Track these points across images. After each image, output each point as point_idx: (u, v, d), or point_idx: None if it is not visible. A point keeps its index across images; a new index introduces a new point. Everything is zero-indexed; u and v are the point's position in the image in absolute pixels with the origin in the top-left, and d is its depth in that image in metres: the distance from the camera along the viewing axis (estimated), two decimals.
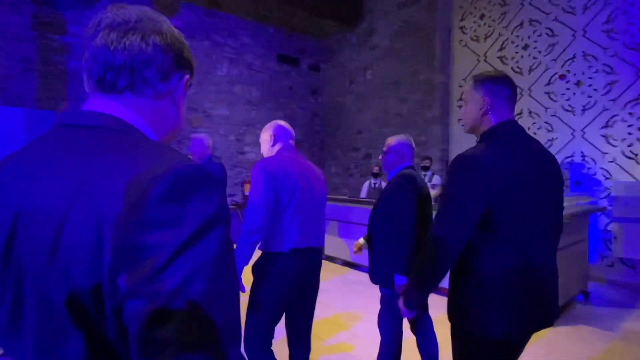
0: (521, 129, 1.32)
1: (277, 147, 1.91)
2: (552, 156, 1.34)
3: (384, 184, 5.67)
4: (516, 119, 1.38)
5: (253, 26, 7.23)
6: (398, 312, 1.82)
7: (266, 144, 1.95)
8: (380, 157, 2.19)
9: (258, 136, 7.05)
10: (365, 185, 6.06)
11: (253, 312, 1.79)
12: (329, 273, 4.70)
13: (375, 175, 5.94)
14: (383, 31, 7.06)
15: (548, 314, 1.29)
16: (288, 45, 7.78)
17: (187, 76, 0.69)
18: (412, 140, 2.15)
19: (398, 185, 1.96)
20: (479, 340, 1.25)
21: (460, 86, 6.10)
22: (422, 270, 1.33)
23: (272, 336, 1.85)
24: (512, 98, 1.32)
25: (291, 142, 1.96)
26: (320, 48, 8.23)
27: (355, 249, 2.27)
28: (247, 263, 1.74)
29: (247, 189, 7.09)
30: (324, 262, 2.22)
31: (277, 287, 1.77)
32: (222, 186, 0.51)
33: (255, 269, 1.81)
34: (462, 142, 5.96)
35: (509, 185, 1.19)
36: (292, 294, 1.83)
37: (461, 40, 6.09)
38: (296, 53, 7.92)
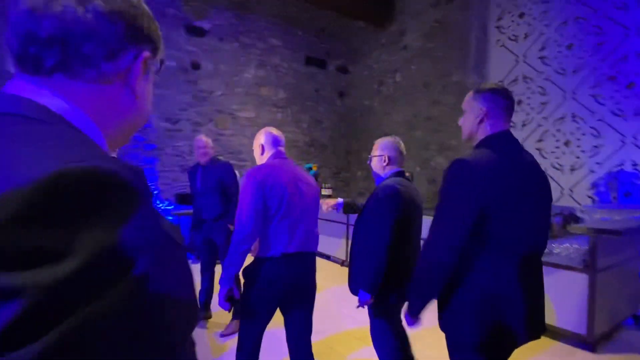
0: (515, 140, 1.36)
1: (267, 154, 1.93)
2: (543, 171, 1.38)
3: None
4: (511, 129, 1.40)
5: (282, 28, 7.18)
6: (388, 323, 1.90)
7: (257, 152, 1.98)
8: (368, 162, 2.10)
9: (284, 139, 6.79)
10: None
11: (244, 317, 1.83)
12: None
13: None
14: (414, 31, 6.81)
15: (537, 326, 1.31)
16: (316, 47, 7.67)
17: (146, 53, 0.52)
18: (401, 143, 2.05)
19: (378, 198, 1.87)
20: (468, 349, 1.27)
21: None
22: (419, 277, 1.34)
23: (259, 343, 1.86)
24: (509, 110, 1.37)
25: (281, 149, 1.96)
26: (349, 50, 8.07)
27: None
28: (238, 271, 1.79)
29: None
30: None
31: (265, 292, 1.79)
32: (142, 199, 0.36)
33: (244, 274, 1.84)
34: None
35: (502, 193, 1.21)
36: (280, 298, 1.85)
37: (498, 40, 5.75)
38: (324, 55, 7.80)
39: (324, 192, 6.12)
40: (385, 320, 1.94)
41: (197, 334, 3.14)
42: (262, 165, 1.88)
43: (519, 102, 5.33)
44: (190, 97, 6.30)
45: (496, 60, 5.78)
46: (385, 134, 6.83)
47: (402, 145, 2.06)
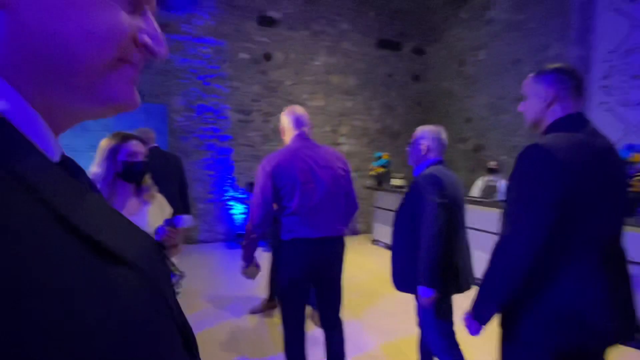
0: (589, 122, 1.24)
1: (290, 136, 1.94)
2: (620, 157, 1.25)
3: (502, 183, 4.81)
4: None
5: (353, 11, 6.90)
6: (446, 323, 1.81)
7: (282, 135, 2.01)
8: (407, 149, 2.02)
9: (354, 127, 6.69)
10: (479, 183, 5.27)
11: (279, 296, 2.04)
12: None
13: (491, 171, 5.10)
14: (501, 2, 6.02)
15: (628, 327, 1.17)
16: (389, 29, 7.24)
17: None
18: (443, 133, 1.94)
19: (420, 188, 1.79)
20: (541, 352, 1.14)
21: (604, 61, 4.82)
22: (492, 279, 1.20)
23: (300, 321, 1.94)
24: (579, 90, 1.26)
25: (304, 130, 1.94)
26: (425, 29, 7.48)
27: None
28: (252, 253, 1.94)
29: None
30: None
31: (286, 272, 1.89)
32: None
33: (274, 255, 2.10)
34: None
35: (584, 182, 1.11)
36: (303, 279, 1.91)
37: (609, 3, 4.78)
38: (397, 37, 7.34)
39: (396, 182, 5.79)
40: (442, 320, 1.84)
41: (263, 324, 3.18)
42: (274, 154, 1.89)
43: (635, 76, 4.39)
44: (262, 87, 6.39)
45: (604, 28, 4.82)
46: (467, 120, 6.26)
47: (444, 134, 1.95)
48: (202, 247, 5.91)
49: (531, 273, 1.11)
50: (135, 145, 1.48)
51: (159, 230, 1.46)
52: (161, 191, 1.69)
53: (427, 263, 1.68)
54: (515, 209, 1.15)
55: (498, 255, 1.18)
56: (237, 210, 6.31)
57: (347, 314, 3.25)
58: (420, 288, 1.72)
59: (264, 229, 1.86)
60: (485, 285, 1.22)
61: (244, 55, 6.25)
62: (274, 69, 6.46)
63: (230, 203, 6.28)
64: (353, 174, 7.33)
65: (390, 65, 7.33)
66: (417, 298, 1.81)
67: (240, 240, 6.28)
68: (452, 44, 7.04)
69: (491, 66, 6.24)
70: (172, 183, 3.38)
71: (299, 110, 1.97)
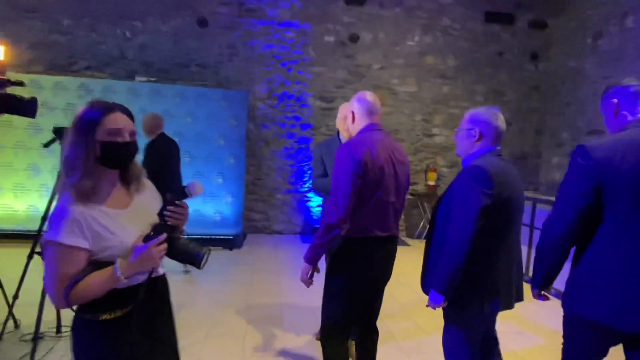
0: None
1: (359, 126, 1.82)
2: None
3: None
4: None
5: None
6: (466, 334, 1.63)
7: (342, 123, 1.97)
8: (454, 138, 1.76)
9: (450, 115, 5.76)
10: None
11: (334, 300, 1.85)
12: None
13: None
14: None
15: None
16: (499, 0, 6.10)
17: None
18: (499, 116, 1.63)
19: (461, 181, 1.55)
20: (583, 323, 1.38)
21: None
22: (538, 249, 1.48)
23: (348, 329, 1.93)
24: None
25: (376, 119, 1.82)
26: None
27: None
28: (317, 260, 1.79)
29: (431, 177, 6.07)
30: None
31: (355, 275, 1.78)
32: None
33: (333, 255, 1.84)
34: None
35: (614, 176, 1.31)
36: (369, 284, 1.84)
37: None
38: (511, 8, 6.14)
39: None
40: (463, 330, 1.63)
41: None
42: (359, 139, 1.75)
43: None
44: (347, 73, 5.92)
45: None
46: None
47: (502, 118, 1.64)
48: (277, 238, 5.75)
49: (568, 247, 1.43)
50: (120, 120, 1.12)
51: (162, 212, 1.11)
52: (173, 177, 1.35)
53: (446, 267, 1.50)
54: (557, 198, 1.45)
55: (542, 230, 1.48)
56: (315, 202, 5.99)
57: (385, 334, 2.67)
58: (431, 292, 1.56)
59: (348, 224, 1.68)
60: (535, 257, 1.50)
61: (329, 38, 5.84)
62: (361, 52, 5.92)
63: (309, 195, 5.99)
64: (447, 170, 6.28)
65: (501, 43, 6.18)
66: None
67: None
68: (584, 14, 5.61)
69: None
70: (179, 168, 3.74)
71: (371, 96, 1.85)
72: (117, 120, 1.11)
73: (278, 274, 4.13)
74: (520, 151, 6.40)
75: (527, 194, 4.91)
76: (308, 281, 1.79)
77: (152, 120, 3.61)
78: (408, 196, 5.86)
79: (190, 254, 1.15)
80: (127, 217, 1.12)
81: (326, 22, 5.81)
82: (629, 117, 1.44)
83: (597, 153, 1.32)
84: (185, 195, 1.15)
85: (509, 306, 1.64)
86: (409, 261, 4.89)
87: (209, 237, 4.96)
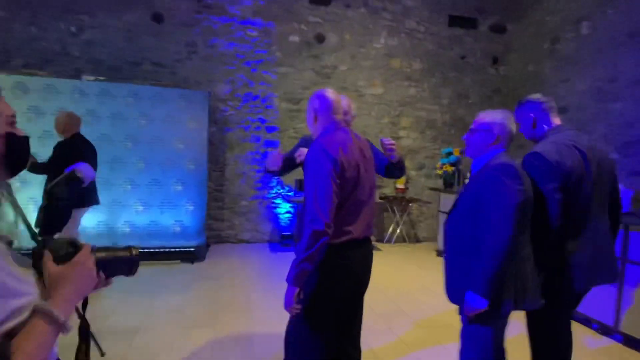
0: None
1: (322, 124, 1.71)
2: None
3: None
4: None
5: None
6: (496, 337, 1.57)
7: (309, 121, 1.77)
8: (463, 137, 1.74)
9: (417, 118, 5.68)
10: None
11: (317, 318, 1.64)
12: None
13: None
14: None
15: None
16: (463, 4, 6.19)
17: None
18: (513, 120, 1.64)
19: (495, 179, 1.51)
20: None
21: None
22: None
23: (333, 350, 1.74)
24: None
25: (336, 117, 1.71)
26: (507, 3, 6.29)
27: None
28: (303, 279, 1.53)
29: (400, 181, 6.00)
30: None
31: (341, 284, 1.64)
32: None
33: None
34: None
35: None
36: (354, 292, 1.73)
37: None
38: (473, 12, 6.25)
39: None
40: (491, 333, 1.56)
41: None
42: (329, 137, 1.63)
43: None
44: (313, 73, 5.74)
45: None
46: (561, 110, 5.09)
47: (513, 122, 1.65)
48: (244, 247, 5.43)
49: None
50: (9, 107, 0.81)
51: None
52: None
53: (489, 270, 1.44)
54: None
55: None
56: (284, 209, 5.74)
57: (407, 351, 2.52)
58: (471, 296, 1.48)
59: (332, 228, 1.53)
60: None
61: (294, 38, 5.64)
62: (328, 53, 5.77)
63: (277, 201, 5.72)
64: (415, 172, 6.14)
65: (465, 47, 6.27)
66: (461, 307, 1.60)
67: (287, 243, 5.74)
68: (543, 19, 5.80)
69: (597, 42, 4.95)
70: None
71: (333, 94, 1.73)
72: (7, 104, 0.80)
73: (247, 288, 3.83)
74: None
75: None
76: (295, 308, 1.53)
77: (68, 118, 3.32)
78: (377, 200, 5.77)
79: (121, 260, 0.83)
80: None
81: (291, 21, 5.61)
82: (546, 128, 1.82)
83: (552, 156, 1.63)
84: (77, 182, 0.86)
85: (538, 304, 1.61)
86: (382, 266, 4.79)
87: (167, 249, 4.57)
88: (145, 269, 4.20)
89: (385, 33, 5.95)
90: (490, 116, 1.63)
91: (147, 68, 5.19)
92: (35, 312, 0.66)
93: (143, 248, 4.50)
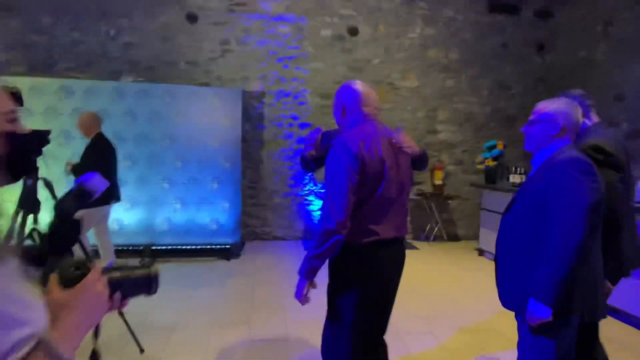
0: None
1: (352, 117, 1.63)
2: None
3: None
4: None
5: None
6: (561, 351, 1.39)
7: (338, 114, 1.68)
8: (522, 129, 1.57)
9: (456, 111, 5.42)
10: None
11: (337, 330, 1.62)
12: None
13: None
14: None
15: None
16: None
17: None
18: (578, 109, 1.47)
19: (566, 175, 1.33)
20: None
21: None
22: None
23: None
24: None
25: (367, 110, 1.61)
26: None
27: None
28: (322, 265, 1.52)
29: (437, 176, 5.77)
30: None
31: (362, 288, 1.54)
32: None
33: (333, 268, 1.63)
34: None
35: None
36: (378, 295, 1.59)
37: None
38: None
39: (516, 178, 4.51)
40: (555, 348, 1.39)
41: None
42: (354, 131, 1.56)
43: None
44: (346, 68, 5.62)
45: None
46: (618, 97, 4.69)
47: (580, 112, 1.49)
48: (278, 244, 5.42)
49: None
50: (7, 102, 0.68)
51: None
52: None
53: (554, 275, 1.29)
54: None
55: None
56: (316, 206, 5.67)
57: None
58: (534, 304, 1.33)
59: (348, 228, 1.47)
60: None
61: (326, 32, 5.53)
62: (360, 46, 5.62)
63: (310, 198, 5.67)
64: (454, 167, 5.91)
65: (506, 34, 5.91)
66: (521, 316, 1.44)
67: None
68: (593, 0, 5.35)
69: None
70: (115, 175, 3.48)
71: (362, 86, 1.65)
72: (5, 98, 0.68)
73: (281, 285, 3.79)
74: None
75: None
76: (304, 299, 1.56)
77: (90, 119, 3.35)
78: (414, 197, 5.58)
79: (139, 280, 0.75)
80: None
81: (323, 15, 5.51)
82: (588, 123, 1.78)
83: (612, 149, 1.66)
84: (87, 196, 0.79)
85: (605, 315, 1.48)
86: (420, 266, 4.61)
87: (204, 247, 4.62)
88: (182, 266, 4.27)
89: (421, 22, 5.72)
90: (553, 105, 1.48)
91: (182, 67, 5.27)
92: (39, 343, 0.57)
93: (181, 245, 4.59)
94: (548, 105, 1.49)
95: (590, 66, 5.44)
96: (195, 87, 4.69)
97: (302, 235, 5.70)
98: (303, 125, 5.60)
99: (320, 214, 1.51)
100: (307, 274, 1.51)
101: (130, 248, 4.48)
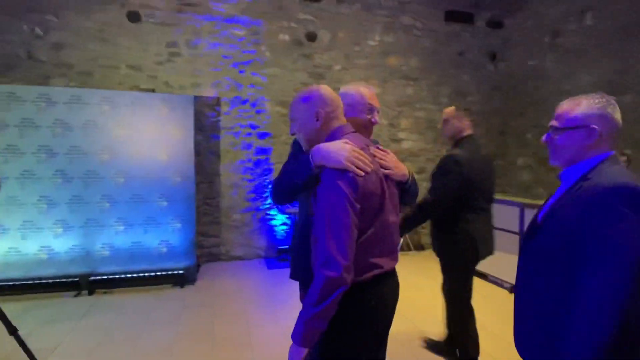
0: None
1: (330, 126, 1.32)
2: None
3: None
4: None
5: None
6: None
7: (306, 125, 1.33)
8: (545, 139, 1.23)
9: (417, 119, 5.24)
10: None
11: None
12: None
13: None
14: None
15: None
16: None
17: None
18: (617, 108, 1.13)
19: (611, 210, 0.98)
20: None
21: None
22: None
23: None
24: None
25: (343, 118, 1.37)
26: None
27: None
28: (326, 326, 1.14)
29: None
30: None
31: (362, 332, 1.26)
32: None
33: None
34: None
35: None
36: (378, 337, 1.33)
37: None
38: (469, 7, 5.98)
39: None
40: None
41: None
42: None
43: None
44: (306, 74, 5.35)
45: None
46: None
47: (617, 111, 1.13)
48: (238, 265, 4.97)
49: None
50: None
51: None
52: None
53: (597, 336, 0.96)
54: None
55: None
56: (279, 220, 5.31)
57: None
58: None
59: (352, 273, 1.16)
60: None
61: (284, 37, 5.24)
62: (320, 52, 5.39)
63: (272, 213, 5.29)
64: (417, 176, 5.83)
65: (462, 42, 5.99)
66: None
67: (284, 258, 5.30)
68: (541, 12, 5.58)
69: (603, 33, 4.73)
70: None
71: (327, 90, 1.35)
72: None
73: (245, 316, 3.39)
74: (487, 153, 6.22)
75: (503, 197, 4.63)
76: None
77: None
78: None
79: None
80: None
81: (280, 19, 5.22)
82: None
83: None
84: None
85: None
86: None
87: (153, 273, 4.08)
88: (129, 298, 3.71)
89: (381, 30, 5.62)
90: (583, 105, 1.15)
91: (123, 72, 4.71)
92: None
93: (125, 273, 4.01)
94: (576, 107, 1.17)
95: (540, 75, 5.64)
96: (139, 94, 4.17)
97: (264, 253, 5.30)
98: (263, 135, 5.24)
99: (316, 257, 1.17)
100: (305, 341, 1.13)
101: (63, 280, 3.84)
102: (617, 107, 1.16)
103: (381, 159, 1.35)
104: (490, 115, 6.21)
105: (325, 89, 1.35)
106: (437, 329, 3.03)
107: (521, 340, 1.25)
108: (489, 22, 6.10)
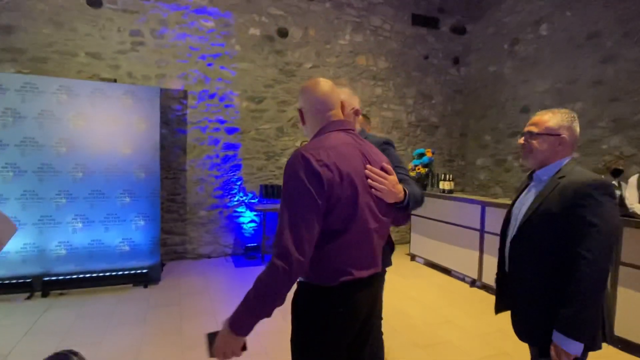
0: None
1: (314, 125, 1.29)
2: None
3: (625, 187, 3.37)
4: None
5: None
6: None
7: (303, 120, 1.33)
8: (521, 142, 1.48)
9: (384, 118, 5.36)
10: None
11: None
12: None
13: (617, 173, 3.56)
14: None
15: None
16: (425, 2, 6.11)
17: None
18: (577, 121, 1.44)
19: (595, 199, 1.26)
20: None
21: None
22: None
23: None
24: None
25: (331, 114, 1.27)
26: (468, 3, 6.33)
27: None
28: (269, 314, 1.10)
29: None
30: None
31: (328, 335, 1.18)
32: None
33: (296, 311, 1.23)
34: None
35: None
36: (348, 342, 1.24)
37: None
38: (435, 12, 6.20)
39: (445, 185, 4.67)
40: None
41: None
42: (315, 143, 1.19)
43: None
44: (277, 71, 5.31)
45: None
46: (524, 109, 5.11)
47: (578, 124, 1.46)
48: (204, 263, 4.86)
49: None
50: None
51: None
52: None
53: (588, 308, 1.23)
54: None
55: None
56: (247, 218, 5.25)
57: None
58: (564, 340, 1.23)
59: (306, 268, 1.12)
60: None
61: (254, 31, 5.17)
62: (291, 49, 5.37)
63: (240, 210, 5.22)
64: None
65: (427, 46, 6.20)
66: (541, 350, 1.36)
67: (253, 255, 5.24)
68: (502, 20, 5.89)
69: (556, 43, 5.08)
70: None
71: (324, 85, 1.28)
72: None
73: (213, 316, 3.32)
74: (449, 153, 6.51)
75: (465, 196, 4.87)
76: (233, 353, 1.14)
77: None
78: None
79: None
80: None
81: (250, 13, 5.13)
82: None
83: None
84: None
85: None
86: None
87: (115, 273, 3.89)
88: (88, 299, 3.52)
89: (350, 29, 5.68)
90: (557, 117, 1.43)
91: (82, 59, 4.43)
92: None
93: (83, 273, 3.80)
94: (551, 119, 1.43)
95: (499, 80, 5.96)
96: (100, 83, 3.94)
97: (231, 251, 5.22)
98: (231, 130, 5.14)
99: (274, 246, 1.11)
100: (240, 328, 1.10)
101: (14, 281, 3.57)
102: (578, 121, 1.45)
103: (374, 181, 1.25)
104: (452, 118, 6.48)
105: (319, 83, 1.30)
106: None
107: (521, 326, 1.44)
108: (453, 27, 6.35)
